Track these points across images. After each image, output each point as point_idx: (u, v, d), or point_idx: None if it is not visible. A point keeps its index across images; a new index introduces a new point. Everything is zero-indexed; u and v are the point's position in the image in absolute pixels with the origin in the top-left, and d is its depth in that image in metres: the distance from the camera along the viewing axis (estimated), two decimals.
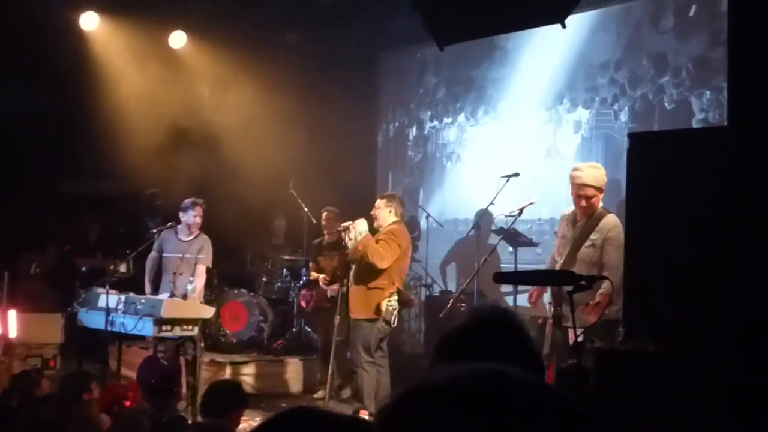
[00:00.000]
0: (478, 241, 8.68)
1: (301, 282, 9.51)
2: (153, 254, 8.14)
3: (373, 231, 7.52)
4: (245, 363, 9.06)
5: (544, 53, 9.91)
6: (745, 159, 2.93)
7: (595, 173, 6.09)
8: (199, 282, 7.99)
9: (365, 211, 7.78)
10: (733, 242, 2.94)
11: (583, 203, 6.08)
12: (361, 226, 7.38)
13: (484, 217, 8.49)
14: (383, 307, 7.29)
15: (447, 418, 0.88)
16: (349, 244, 7.39)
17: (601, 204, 6.16)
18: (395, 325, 7.59)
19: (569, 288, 3.57)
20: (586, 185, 6.03)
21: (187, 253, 8.05)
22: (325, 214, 8.90)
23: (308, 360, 9.27)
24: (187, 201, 8.13)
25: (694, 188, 3.18)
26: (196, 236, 8.12)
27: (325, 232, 8.94)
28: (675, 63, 8.83)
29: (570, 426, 0.89)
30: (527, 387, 0.91)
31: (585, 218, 6.13)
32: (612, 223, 5.97)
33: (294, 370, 9.18)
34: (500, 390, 0.90)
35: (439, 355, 1.87)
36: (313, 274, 8.94)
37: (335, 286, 8.39)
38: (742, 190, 2.93)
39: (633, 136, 3.64)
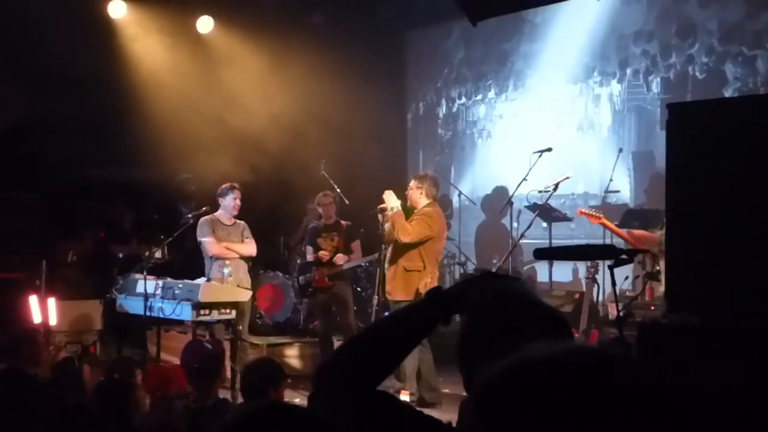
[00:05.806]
0: (511, 217, 8.64)
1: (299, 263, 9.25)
2: (211, 239, 7.96)
3: (407, 211, 7.45)
4: (283, 345, 9.12)
5: (574, 26, 9.82)
6: None
7: None
8: (250, 247, 8.11)
9: (396, 191, 7.71)
10: None
11: None
12: (392, 201, 7.31)
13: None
14: (422, 291, 7.19)
15: (559, 392, 0.93)
16: (386, 226, 7.33)
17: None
18: None
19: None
20: None
21: (232, 237, 8.08)
22: (322, 198, 8.59)
23: None
24: (225, 186, 8.10)
25: (738, 158, 3.12)
26: (235, 223, 8.13)
27: (321, 215, 8.68)
28: (707, 31, 8.70)
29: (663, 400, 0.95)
30: (627, 363, 0.97)
31: None
32: None
33: None
34: (602, 366, 0.96)
35: (469, 359, 1.75)
36: (313, 256, 8.63)
37: (340, 257, 8.35)
38: None
39: (672, 107, 3.55)
